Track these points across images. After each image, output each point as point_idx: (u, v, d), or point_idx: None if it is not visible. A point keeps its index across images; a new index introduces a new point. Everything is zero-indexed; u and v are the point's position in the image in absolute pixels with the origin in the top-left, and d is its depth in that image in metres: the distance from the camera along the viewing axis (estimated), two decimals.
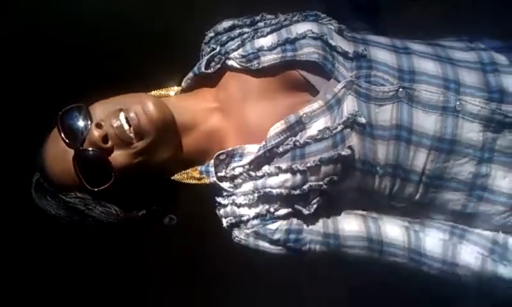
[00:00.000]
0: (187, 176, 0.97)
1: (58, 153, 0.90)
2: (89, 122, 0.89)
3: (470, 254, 0.93)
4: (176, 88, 1.04)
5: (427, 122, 0.90)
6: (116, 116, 0.88)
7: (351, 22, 1.09)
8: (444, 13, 1.42)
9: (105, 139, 0.88)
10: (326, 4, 1.10)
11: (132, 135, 0.88)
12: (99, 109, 0.91)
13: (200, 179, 0.96)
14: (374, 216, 0.96)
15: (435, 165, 0.91)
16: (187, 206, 1.03)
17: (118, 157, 0.89)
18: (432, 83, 0.91)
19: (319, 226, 0.93)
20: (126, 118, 0.88)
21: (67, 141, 0.89)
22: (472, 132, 0.90)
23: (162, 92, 1.03)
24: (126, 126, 0.88)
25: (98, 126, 0.88)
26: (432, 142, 0.90)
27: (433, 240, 0.94)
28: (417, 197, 0.94)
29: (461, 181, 0.92)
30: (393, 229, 0.95)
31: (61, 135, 0.89)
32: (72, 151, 0.88)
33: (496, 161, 0.92)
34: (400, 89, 0.90)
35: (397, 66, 0.93)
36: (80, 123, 0.89)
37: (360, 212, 0.96)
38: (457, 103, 0.90)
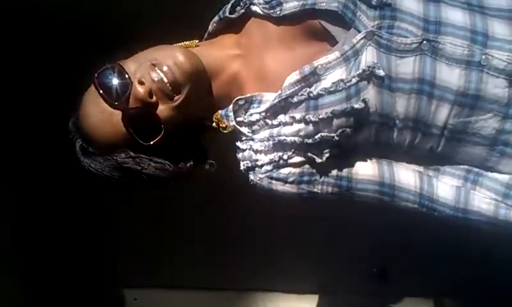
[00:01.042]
0: (215, 121, 0.99)
1: (104, 116, 0.91)
2: (128, 79, 0.90)
3: (482, 200, 0.92)
4: (198, 42, 1.04)
5: (450, 76, 0.87)
6: (154, 70, 0.90)
7: None
8: None
9: (150, 94, 0.89)
10: None
11: (170, 89, 0.90)
12: (133, 66, 0.92)
13: (222, 125, 0.98)
14: (389, 161, 0.96)
15: (458, 120, 0.89)
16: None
17: (164, 110, 0.91)
18: (458, 35, 0.88)
19: (333, 169, 0.94)
20: (161, 73, 0.90)
21: (115, 103, 0.90)
22: (497, 87, 0.87)
23: (187, 43, 1.02)
24: (165, 79, 0.90)
25: (141, 82, 0.89)
26: (455, 97, 0.88)
27: (446, 186, 0.94)
28: (439, 150, 0.93)
29: (484, 136, 0.90)
30: (406, 174, 0.94)
31: (104, 98, 0.90)
32: (118, 112, 0.90)
33: None
34: (424, 42, 0.88)
35: (423, 15, 0.90)
36: (120, 82, 0.91)
37: (375, 157, 0.96)
38: (483, 57, 0.87)
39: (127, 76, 0.91)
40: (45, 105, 1.88)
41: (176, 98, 0.91)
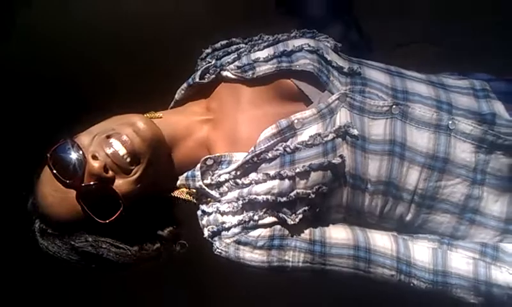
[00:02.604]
0: (180, 190, 0.95)
1: (59, 195, 0.87)
2: (82, 155, 0.86)
3: (461, 260, 0.90)
4: (161, 113, 1.01)
5: (420, 139, 0.89)
6: (107, 144, 0.87)
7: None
8: (439, 55, 1.47)
9: (105, 169, 0.86)
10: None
11: (128, 160, 0.87)
12: (87, 139, 0.89)
13: (189, 192, 0.94)
14: (361, 227, 0.93)
15: (428, 184, 0.90)
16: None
17: (122, 185, 0.87)
18: (426, 103, 0.91)
19: (305, 232, 0.90)
20: (118, 144, 0.87)
21: (67, 181, 0.86)
22: (464, 152, 0.90)
23: (149, 114, 0.98)
24: (121, 151, 0.87)
25: (94, 158, 0.86)
26: (425, 159, 0.89)
27: (422, 248, 0.91)
28: (408, 217, 0.92)
29: (453, 203, 0.91)
30: (381, 238, 0.92)
31: (58, 177, 0.87)
32: (73, 190, 0.86)
33: (488, 184, 0.91)
34: (394, 106, 0.90)
35: (391, 85, 0.93)
36: (73, 159, 0.87)
37: (347, 223, 0.93)
38: (450, 122, 0.90)
39: (80, 152, 0.87)
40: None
41: (134, 170, 0.87)
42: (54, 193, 0.88)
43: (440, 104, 0.92)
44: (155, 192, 0.93)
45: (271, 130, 0.89)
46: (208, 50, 1.07)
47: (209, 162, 0.92)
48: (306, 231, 0.90)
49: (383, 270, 0.89)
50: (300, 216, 0.88)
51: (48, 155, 0.88)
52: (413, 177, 0.89)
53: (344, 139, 0.88)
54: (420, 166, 0.89)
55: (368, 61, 1.01)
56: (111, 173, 0.86)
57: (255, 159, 0.89)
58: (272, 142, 0.89)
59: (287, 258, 0.89)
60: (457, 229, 0.92)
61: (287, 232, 0.89)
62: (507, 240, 0.92)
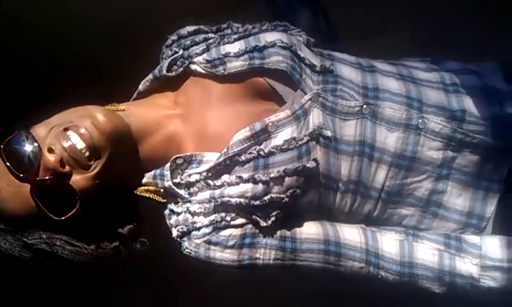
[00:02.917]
0: (146, 188, 0.91)
1: (12, 189, 0.82)
2: (37, 148, 0.81)
3: (426, 251, 0.91)
4: (125, 105, 0.95)
5: (389, 139, 0.90)
6: (65, 136, 0.81)
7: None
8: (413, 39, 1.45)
9: (62, 163, 0.81)
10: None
11: (87, 154, 0.81)
12: (43, 131, 0.83)
13: (156, 191, 0.91)
14: (331, 222, 0.93)
15: (394, 182, 0.91)
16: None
17: (79, 180, 0.82)
18: (396, 101, 0.92)
19: (276, 231, 0.89)
20: (76, 137, 0.81)
21: (20, 175, 0.81)
22: (432, 149, 0.91)
23: (110, 106, 0.92)
24: (79, 145, 0.81)
25: (50, 151, 0.80)
26: (393, 158, 0.90)
27: (389, 240, 0.92)
28: (375, 213, 0.93)
29: (417, 197, 0.93)
30: (350, 231, 0.92)
31: (11, 170, 0.81)
32: (27, 184, 0.81)
33: (452, 178, 0.93)
34: (365, 106, 0.90)
35: (362, 83, 0.93)
36: (28, 151, 0.81)
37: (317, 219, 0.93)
38: (420, 121, 0.91)
39: (35, 144, 0.81)
40: None
41: (93, 165, 0.82)
42: (6, 187, 0.82)
43: (411, 101, 0.92)
44: (116, 188, 0.88)
45: (245, 132, 0.87)
46: (174, 37, 1.02)
47: (179, 161, 0.89)
48: (278, 230, 0.89)
49: (353, 262, 0.90)
50: (273, 218, 0.87)
51: (2, 146, 0.82)
52: (380, 176, 0.91)
53: (317, 142, 0.87)
54: (387, 165, 0.90)
55: (340, 54, 1.00)
56: (67, 168, 0.81)
57: (228, 161, 0.87)
58: (245, 145, 0.87)
59: (257, 255, 0.88)
60: (420, 222, 0.94)
61: (258, 231, 0.88)
62: (468, 233, 0.94)
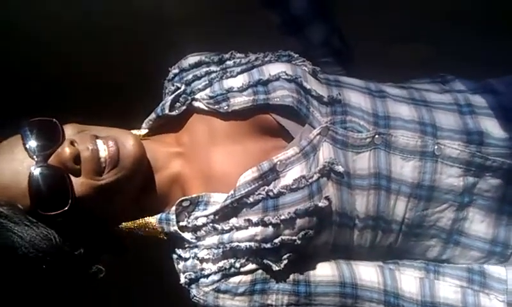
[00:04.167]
0: (141, 224, 0.87)
1: (13, 162, 0.78)
2: (60, 136, 0.80)
3: (448, 288, 0.86)
4: (139, 131, 0.95)
5: (405, 169, 0.86)
6: (93, 140, 0.80)
7: (323, 63, 1.06)
8: (427, 59, 1.39)
9: (77, 159, 0.78)
10: (299, 44, 1.07)
11: (104, 164, 0.79)
12: (73, 130, 0.82)
13: (155, 229, 0.87)
14: (346, 260, 0.89)
15: (414, 214, 0.86)
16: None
17: (83, 184, 0.79)
18: (409, 128, 0.87)
19: (289, 275, 0.84)
20: (103, 146, 0.80)
21: (30, 150, 0.78)
22: (451, 176, 0.86)
23: (136, 131, 0.92)
24: (102, 153, 0.79)
25: (71, 144, 0.78)
26: (411, 189, 0.85)
27: (409, 278, 0.87)
28: (396, 246, 0.89)
29: (439, 227, 0.88)
30: (367, 271, 0.87)
31: (23, 141, 0.79)
32: (30, 164, 0.77)
33: (474, 205, 0.88)
34: (377, 136, 0.86)
35: (372, 110, 0.89)
36: (50, 137, 0.80)
37: (332, 258, 0.88)
38: (436, 147, 0.86)
39: (60, 133, 0.80)
40: None
41: (104, 176, 0.79)
42: (10, 155, 0.79)
43: (424, 127, 0.88)
44: (114, 211, 0.85)
45: (252, 173, 0.83)
46: (176, 70, 0.98)
47: (185, 204, 0.85)
48: (290, 273, 0.84)
49: (371, 304, 0.86)
50: (285, 262, 0.83)
51: (28, 121, 0.81)
52: (400, 208, 0.86)
53: (329, 178, 0.83)
54: (406, 197, 0.86)
55: (348, 78, 0.96)
56: (78, 167, 0.78)
57: (235, 204, 0.83)
58: (253, 186, 0.82)
59: (269, 302, 0.84)
60: (442, 253, 0.90)
61: (269, 276, 0.84)
62: (492, 262, 0.90)
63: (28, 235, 0.75)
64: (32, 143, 0.79)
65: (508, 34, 1.37)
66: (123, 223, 0.88)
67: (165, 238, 0.88)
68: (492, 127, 0.89)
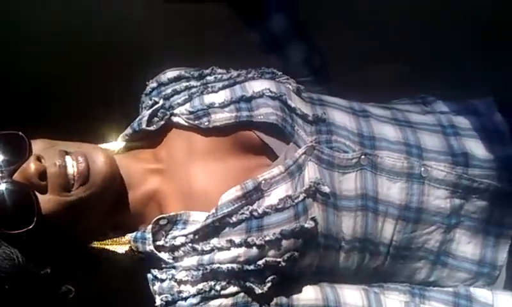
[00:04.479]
0: (115, 242, 0.84)
1: None
2: (26, 152, 0.76)
3: None
4: (115, 144, 0.91)
5: (392, 190, 0.84)
6: (61, 156, 0.77)
7: (304, 82, 1.03)
8: (404, 76, 1.41)
9: (42, 175, 0.74)
10: (279, 63, 1.06)
11: (72, 181, 0.76)
12: (41, 145, 0.79)
13: (129, 250, 0.83)
14: (330, 283, 0.86)
15: (402, 236, 0.85)
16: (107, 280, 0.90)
17: (50, 201, 0.75)
18: (394, 149, 0.86)
19: (271, 298, 0.81)
20: (72, 162, 0.77)
21: None
22: (438, 198, 0.85)
23: (107, 146, 0.90)
24: (70, 169, 0.76)
25: (37, 159, 0.75)
26: (399, 211, 0.84)
27: (394, 302, 0.85)
28: (383, 268, 0.87)
29: (427, 249, 0.87)
30: (352, 294, 0.85)
31: None
32: None
33: (461, 226, 0.87)
34: (363, 156, 0.84)
35: (357, 130, 0.87)
36: (16, 151, 0.76)
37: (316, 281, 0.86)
38: (422, 169, 0.85)
39: (26, 148, 0.77)
40: None
41: (73, 192, 0.76)
42: None
43: (409, 148, 0.87)
44: (83, 229, 0.81)
45: (235, 192, 0.79)
46: (154, 85, 0.95)
47: (162, 222, 0.81)
48: (273, 296, 0.81)
49: None
50: (269, 284, 0.80)
51: None
52: (388, 230, 0.84)
53: (314, 199, 0.81)
54: (394, 219, 0.84)
55: (331, 97, 0.94)
56: (44, 183, 0.75)
57: (216, 223, 0.79)
58: (236, 205, 0.79)
59: None
60: (430, 275, 0.88)
61: (251, 299, 0.80)
62: (480, 283, 0.88)
63: None
64: None
65: (487, 53, 1.39)
66: (95, 241, 0.84)
67: (140, 255, 0.83)
68: (476, 148, 0.88)
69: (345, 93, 1.04)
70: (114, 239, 0.85)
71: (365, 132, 0.87)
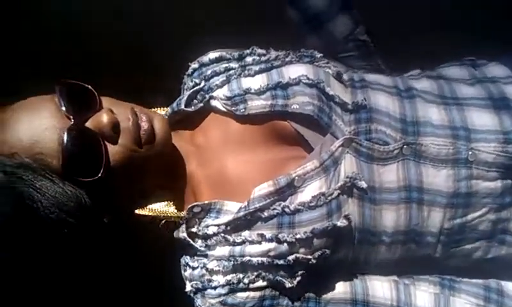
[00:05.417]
0: (161, 212, 0.86)
1: (47, 117, 0.71)
2: (98, 104, 0.76)
3: (463, 306, 0.83)
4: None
5: (438, 178, 0.81)
6: (133, 113, 0.76)
7: (347, 57, 1.02)
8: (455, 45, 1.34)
9: (115, 127, 0.74)
10: (321, 42, 1.03)
11: (144, 137, 0.76)
12: (110, 101, 0.78)
13: (165, 225, 0.85)
14: (361, 274, 0.86)
15: (453, 222, 0.82)
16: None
17: (118, 153, 0.74)
18: (439, 134, 0.82)
19: (299, 291, 0.81)
20: (145, 118, 0.77)
21: (68, 110, 0.72)
22: (488, 180, 0.81)
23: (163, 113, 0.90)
24: (144, 125, 0.76)
25: (110, 111, 0.74)
26: (447, 199, 0.80)
27: (424, 294, 0.84)
28: (437, 255, 0.84)
29: (481, 231, 0.83)
30: (381, 286, 0.84)
31: (59, 100, 0.73)
32: (68, 123, 0.71)
33: None
34: (405, 146, 0.81)
35: (400, 115, 0.83)
36: (87, 102, 0.75)
37: (347, 273, 0.85)
38: (470, 153, 0.81)
39: (97, 101, 0.76)
40: None
41: (141, 149, 0.76)
42: (40, 112, 0.72)
43: (456, 131, 0.82)
44: (136, 188, 0.81)
45: (267, 187, 0.78)
46: (195, 65, 0.94)
47: (196, 210, 0.82)
48: (301, 290, 0.81)
49: None
50: (298, 278, 0.80)
51: (64, 81, 0.76)
52: (436, 219, 0.81)
53: (350, 196, 0.79)
54: (442, 207, 0.81)
55: (374, 75, 0.90)
56: (116, 135, 0.74)
57: (248, 217, 0.79)
58: (268, 200, 0.78)
59: None
60: (487, 252, 0.85)
61: (279, 293, 0.81)
62: None
63: (52, 191, 0.67)
64: (69, 104, 0.74)
65: None
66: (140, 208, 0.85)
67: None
68: None
69: (392, 66, 1.01)
70: (161, 210, 0.86)
71: (408, 117, 0.83)
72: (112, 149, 0.74)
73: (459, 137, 0.82)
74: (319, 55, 0.90)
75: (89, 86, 0.78)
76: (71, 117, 0.73)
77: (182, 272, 0.84)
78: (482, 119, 0.84)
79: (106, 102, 0.78)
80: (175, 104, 0.91)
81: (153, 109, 0.90)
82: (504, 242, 0.85)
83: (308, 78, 0.84)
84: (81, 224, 0.71)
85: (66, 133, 0.71)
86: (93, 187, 0.73)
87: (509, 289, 0.84)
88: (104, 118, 0.74)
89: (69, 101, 0.74)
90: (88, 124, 0.74)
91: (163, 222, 0.86)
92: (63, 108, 0.73)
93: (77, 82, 0.78)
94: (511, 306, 0.82)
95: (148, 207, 0.87)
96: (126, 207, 0.85)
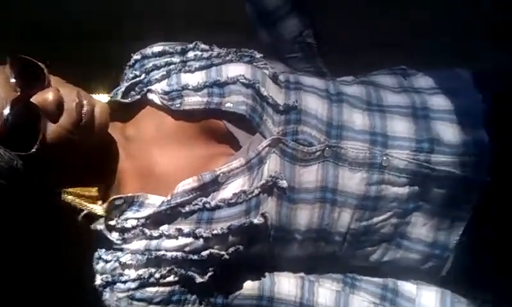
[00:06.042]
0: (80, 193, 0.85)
1: None
2: (46, 83, 0.77)
3: (361, 304, 0.89)
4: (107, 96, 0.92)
5: (352, 181, 0.85)
6: (79, 95, 0.78)
7: (292, 58, 1.06)
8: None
9: (60, 105, 0.75)
10: (270, 38, 1.06)
11: (84, 119, 0.77)
12: (57, 81, 0.80)
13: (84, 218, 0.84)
14: (271, 271, 0.90)
15: (359, 224, 0.87)
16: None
17: (56, 132, 0.75)
18: (359, 139, 0.86)
19: (209, 286, 0.84)
20: (87, 101, 0.78)
21: (16, 83, 0.75)
22: (397, 186, 0.86)
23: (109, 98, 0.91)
24: (86, 108, 0.77)
25: (57, 90, 0.76)
26: (357, 201, 0.85)
27: (326, 292, 0.90)
28: (342, 254, 0.90)
29: (383, 234, 0.89)
30: (287, 283, 0.89)
31: (10, 74, 0.75)
32: (13, 96, 0.74)
33: (418, 209, 0.88)
34: (327, 149, 0.85)
35: (326, 118, 0.87)
36: (34, 78, 0.77)
37: (257, 269, 0.89)
38: (384, 158, 0.85)
39: (46, 78, 0.77)
40: None
41: (82, 131, 0.77)
42: None
43: (374, 137, 0.87)
44: (68, 168, 0.82)
45: (192, 183, 0.80)
46: (137, 57, 0.95)
47: (118, 202, 0.82)
48: (211, 285, 0.84)
49: None
50: (210, 274, 0.82)
51: (17, 56, 0.78)
52: (345, 220, 0.86)
53: (270, 194, 0.82)
54: (352, 209, 0.86)
55: (310, 78, 0.93)
56: (58, 113, 0.75)
57: (169, 211, 0.80)
58: (190, 196, 0.80)
59: None
60: (384, 256, 0.91)
61: (188, 288, 0.83)
62: (430, 264, 0.91)
63: None
64: (19, 77, 0.76)
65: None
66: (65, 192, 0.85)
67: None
68: (444, 132, 0.87)
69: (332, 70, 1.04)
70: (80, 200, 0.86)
71: (334, 121, 0.87)
72: (51, 127, 0.76)
73: (376, 143, 0.86)
74: (258, 55, 0.93)
75: (41, 64, 0.79)
76: (18, 89, 0.75)
77: (94, 264, 0.84)
78: (400, 126, 0.88)
79: (55, 81, 0.80)
80: (112, 94, 0.92)
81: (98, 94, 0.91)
82: (401, 245, 0.90)
83: (245, 78, 0.86)
84: (11, 186, 0.75)
85: (9, 104, 0.73)
86: (25, 160, 0.75)
87: (404, 289, 0.90)
88: (50, 95, 0.75)
89: (19, 74, 0.76)
90: (33, 99, 0.75)
91: (84, 213, 0.85)
92: (12, 80, 0.75)
93: (29, 57, 0.79)
94: (402, 304, 0.89)
95: (73, 195, 0.86)
96: (53, 186, 0.85)
